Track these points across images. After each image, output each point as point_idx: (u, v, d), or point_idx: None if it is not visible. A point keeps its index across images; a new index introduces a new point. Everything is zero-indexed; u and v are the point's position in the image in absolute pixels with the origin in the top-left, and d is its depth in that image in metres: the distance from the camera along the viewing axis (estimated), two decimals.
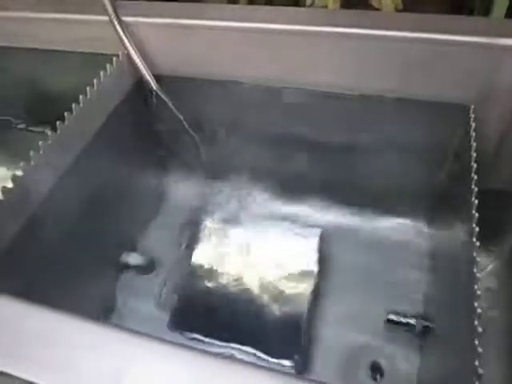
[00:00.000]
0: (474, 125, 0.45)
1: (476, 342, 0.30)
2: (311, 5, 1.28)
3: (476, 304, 0.32)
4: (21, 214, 0.41)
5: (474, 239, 0.35)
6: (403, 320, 0.51)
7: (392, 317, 0.52)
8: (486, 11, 1.09)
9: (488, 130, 0.48)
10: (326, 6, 1.24)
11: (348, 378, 0.50)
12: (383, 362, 0.51)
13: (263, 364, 0.48)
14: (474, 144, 0.42)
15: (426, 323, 0.50)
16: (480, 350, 0.29)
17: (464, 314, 0.33)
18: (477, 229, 0.35)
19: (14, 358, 0.27)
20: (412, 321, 0.51)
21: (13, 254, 0.40)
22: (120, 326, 0.28)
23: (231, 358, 0.28)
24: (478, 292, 0.32)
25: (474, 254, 0.34)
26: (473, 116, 0.46)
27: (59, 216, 0.47)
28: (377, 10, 1.20)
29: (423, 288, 0.56)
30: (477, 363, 0.29)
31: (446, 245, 0.50)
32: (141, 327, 0.28)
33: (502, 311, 0.54)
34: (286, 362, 0.49)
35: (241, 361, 0.28)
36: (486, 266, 0.58)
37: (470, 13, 1.16)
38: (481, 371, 0.28)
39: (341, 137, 0.56)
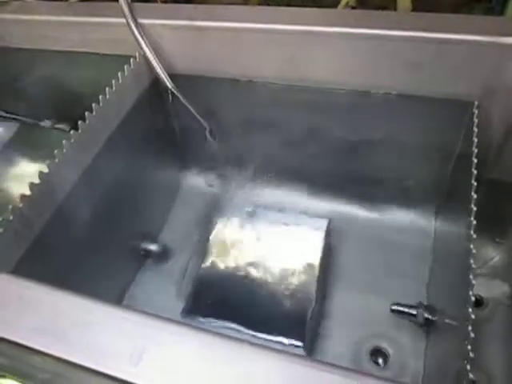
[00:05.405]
0: (476, 121, 0.46)
1: (469, 328, 0.32)
2: None
3: (470, 293, 0.33)
4: (47, 208, 0.45)
5: (472, 232, 0.37)
6: (407, 310, 0.53)
7: (396, 307, 0.53)
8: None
9: (491, 125, 0.49)
10: None
11: (353, 364, 0.52)
12: (388, 351, 0.53)
13: (275, 346, 0.51)
14: (476, 140, 0.44)
15: (429, 314, 0.51)
16: (472, 335, 0.31)
17: (461, 303, 0.35)
18: (474, 222, 0.37)
19: (41, 336, 0.30)
20: (415, 311, 0.52)
21: (40, 244, 0.43)
22: (138, 310, 0.31)
23: (243, 340, 0.30)
24: (473, 282, 0.34)
25: (471, 246, 0.36)
26: (476, 112, 0.47)
27: (82, 209, 0.50)
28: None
29: (428, 279, 0.57)
30: (469, 347, 0.31)
31: (449, 237, 0.52)
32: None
33: (508, 302, 0.55)
34: (297, 343, 0.51)
35: (252, 344, 0.30)
36: (493, 257, 0.59)
37: (489, 1, 1.15)
38: (472, 355, 0.30)
39: (350, 132, 0.58)
